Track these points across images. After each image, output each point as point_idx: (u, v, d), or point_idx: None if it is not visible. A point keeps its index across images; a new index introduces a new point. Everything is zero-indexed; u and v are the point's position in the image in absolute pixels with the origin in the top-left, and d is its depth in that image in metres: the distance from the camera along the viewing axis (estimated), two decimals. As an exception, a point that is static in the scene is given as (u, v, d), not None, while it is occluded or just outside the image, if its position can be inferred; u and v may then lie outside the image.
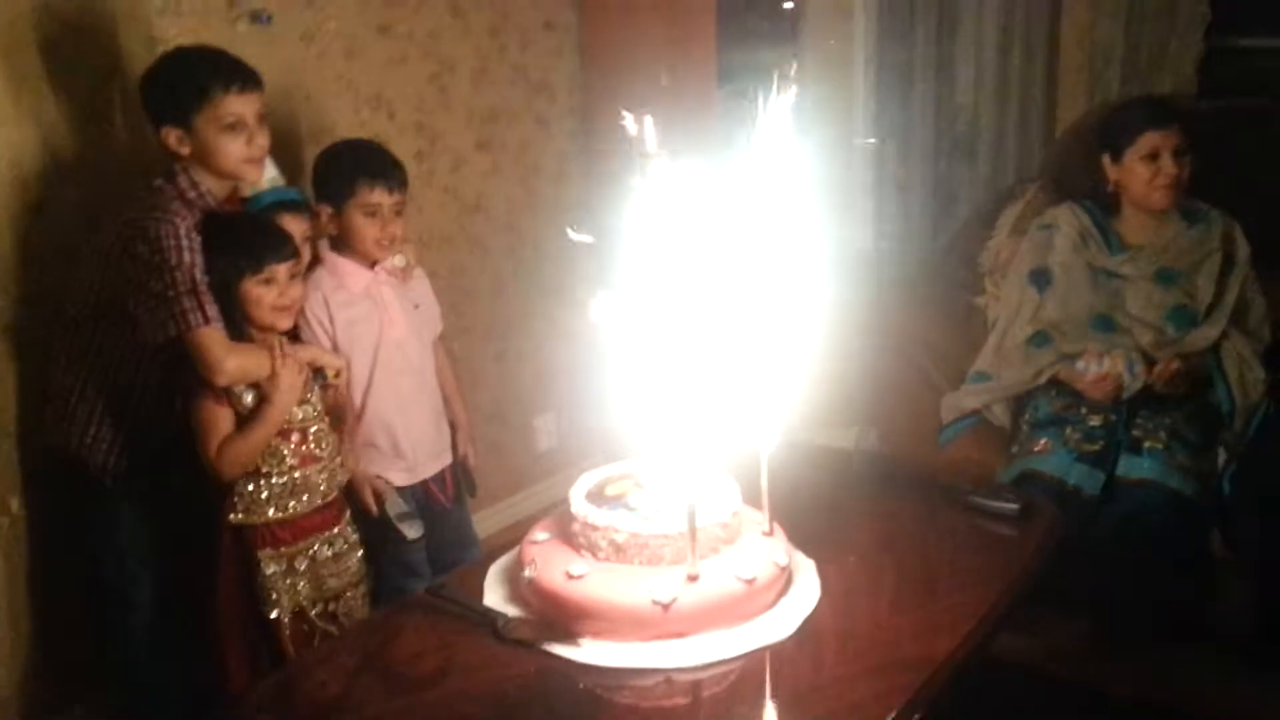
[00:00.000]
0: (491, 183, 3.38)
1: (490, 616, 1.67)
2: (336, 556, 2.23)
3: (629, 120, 1.55)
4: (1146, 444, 2.53)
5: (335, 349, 2.39)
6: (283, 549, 2.15)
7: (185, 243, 2.06)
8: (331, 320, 2.39)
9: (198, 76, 2.11)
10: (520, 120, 3.45)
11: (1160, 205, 2.70)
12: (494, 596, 1.74)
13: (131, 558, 2.26)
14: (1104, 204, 2.78)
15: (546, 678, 1.57)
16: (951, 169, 3.69)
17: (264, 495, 2.13)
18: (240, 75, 2.14)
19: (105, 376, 2.18)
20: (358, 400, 2.44)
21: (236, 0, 2.60)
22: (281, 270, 2.13)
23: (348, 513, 2.29)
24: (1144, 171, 2.68)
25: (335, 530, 2.23)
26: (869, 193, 3.63)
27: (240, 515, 2.14)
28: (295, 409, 2.15)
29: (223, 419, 2.09)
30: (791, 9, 3.53)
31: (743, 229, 1.63)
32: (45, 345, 2.27)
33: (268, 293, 2.12)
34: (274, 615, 2.14)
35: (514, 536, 1.84)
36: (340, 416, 2.29)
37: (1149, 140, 2.66)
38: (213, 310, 2.05)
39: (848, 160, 3.59)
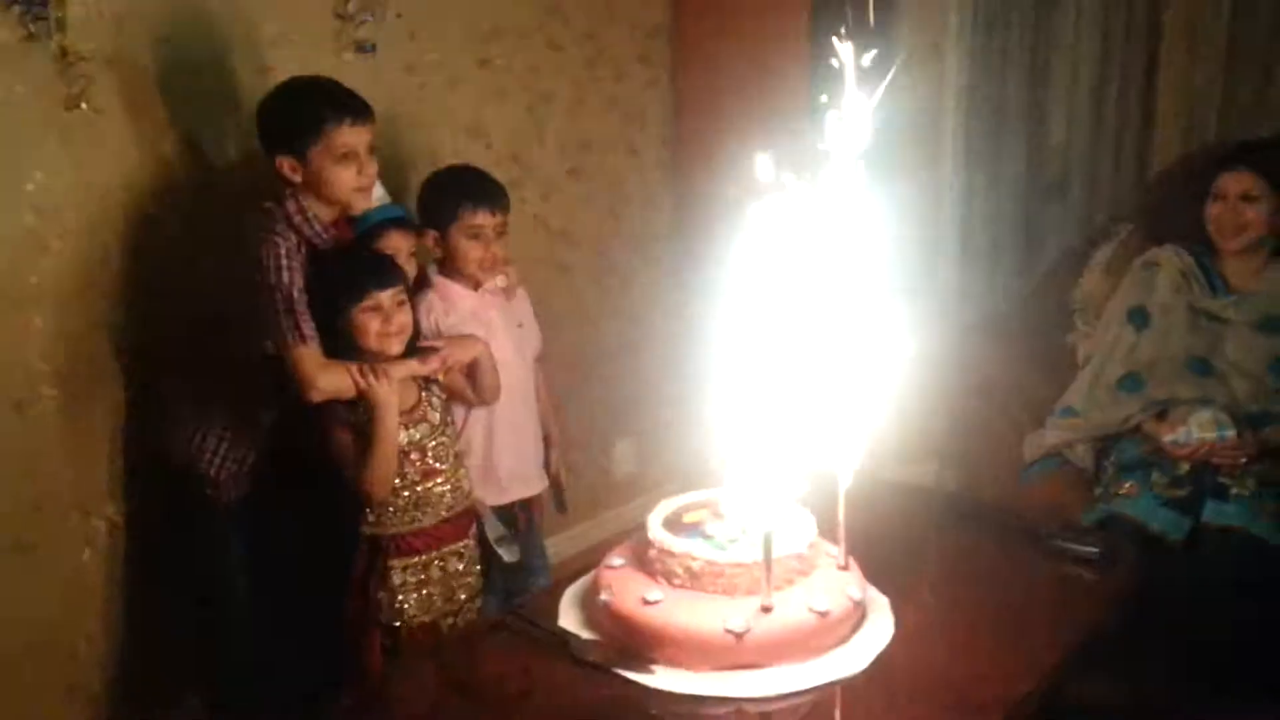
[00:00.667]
0: (582, 211, 3.45)
1: (565, 639, 1.70)
2: (465, 569, 2.31)
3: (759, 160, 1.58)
4: (1234, 490, 2.49)
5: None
6: (417, 558, 2.23)
7: (285, 262, 2.14)
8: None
9: (314, 109, 2.19)
10: (613, 150, 3.51)
11: (1229, 248, 2.70)
12: (569, 620, 1.77)
13: (242, 570, 2.34)
14: (1209, 246, 2.76)
15: (619, 703, 1.59)
16: (1043, 209, 3.66)
17: (390, 509, 2.21)
18: (354, 108, 2.22)
19: (221, 392, 2.28)
20: (460, 421, 2.51)
21: (343, 30, 2.71)
22: (385, 297, 2.20)
23: (474, 526, 2.36)
24: (1215, 211, 2.69)
25: (465, 542, 2.32)
26: (957, 230, 3.61)
27: (372, 527, 2.21)
28: (411, 429, 2.21)
29: (353, 444, 2.17)
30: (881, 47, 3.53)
31: (827, 257, 1.64)
32: (152, 359, 2.37)
33: (374, 320, 2.18)
34: (397, 624, 2.21)
35: (589, 561, 1.87)
36: (473, 391, 2.42)
37: (1221, 183, 2.68)
38: (309, 329, 2.13)
39: (936, 198, 3.58)
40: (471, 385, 2.44)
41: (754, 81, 3.41)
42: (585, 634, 1.72)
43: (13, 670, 2.34)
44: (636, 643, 1.66)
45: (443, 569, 2.26)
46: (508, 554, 2.46)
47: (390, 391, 2.16)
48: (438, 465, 2.25)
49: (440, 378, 2.32)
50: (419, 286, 2.49)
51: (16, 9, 2.17)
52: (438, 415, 2.29)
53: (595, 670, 1.63)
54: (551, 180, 3.34)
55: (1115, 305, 2.83)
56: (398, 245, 2.40)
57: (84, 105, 2.28)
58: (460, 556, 2.30)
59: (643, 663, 1.63)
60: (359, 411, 2.16)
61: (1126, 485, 2.58)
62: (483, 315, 2.55)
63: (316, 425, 2.18)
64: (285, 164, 2.21)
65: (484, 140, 3.11)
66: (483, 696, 1.65)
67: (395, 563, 2.21)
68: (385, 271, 2.24)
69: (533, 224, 3.28)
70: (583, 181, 3.44)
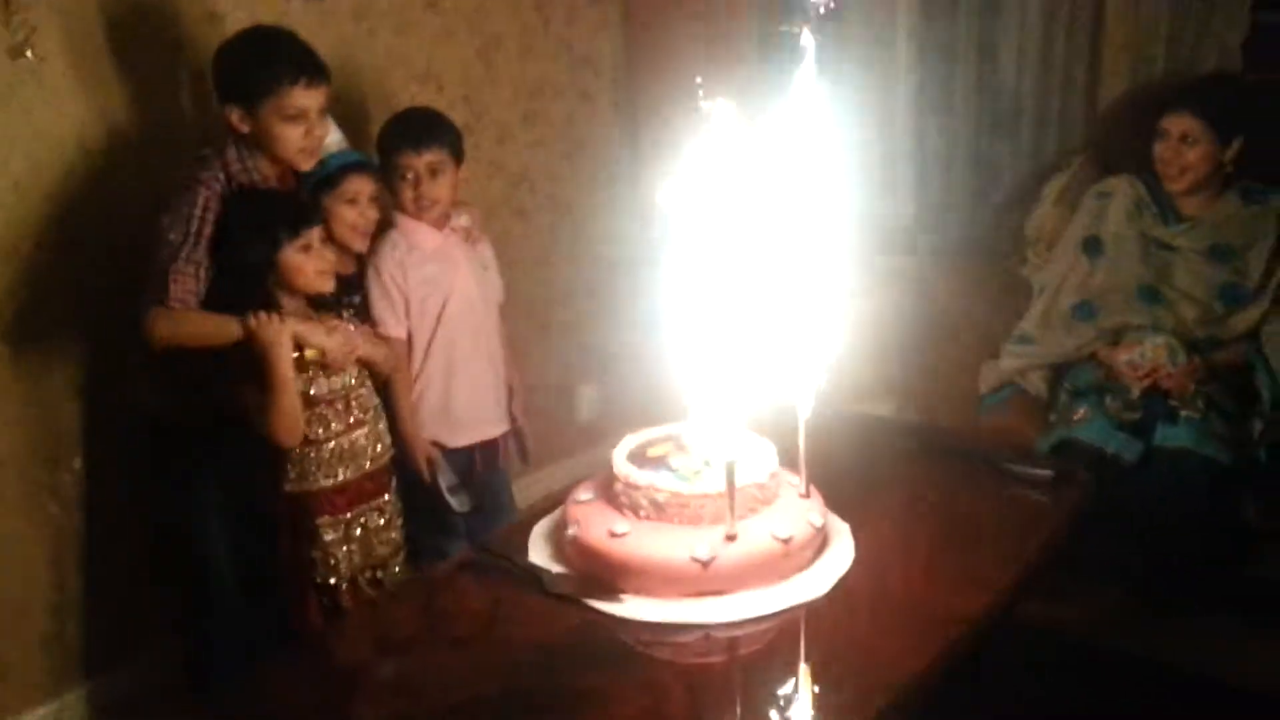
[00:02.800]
0: (537, 155, 3.43)
1: (535, 573, 1.73)
2: (386, 524, 2.30)
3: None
4: (1184, 413, 2.56)
5: (407, 307, 2.49)
6: (340, 516, 2.22)
7: (197, 213, 2.14)
8: (406, 279, 2.48)
9: (269, 66, 2.17)
10: (565, 93, 3.49)
11: (1173, 189, 2.75)
12: (538, 555, 1.79)
13: (210, 513, 2.34)
14: (1160, 176, 2.80)
15: (589, 631, 1.62)
16: (993, 143, 3.69)
17: (315, 464, 2.20)
18: (310, 68, 2.20)
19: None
20: (418, 360, 2.52)
21: (292, -25, 2.67)
22: (315, 235, 2.19)
23: (394, 480, 2.35)
24: (1159, 150, 2.73)
25: (385, 498, 2.31)
26: (910, 165, 3.64)
27: (294, 483, 2.21)
28: (332, 378, 2.20)
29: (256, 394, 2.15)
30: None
31: (783, 188, 1.66)
32: (109, 309, 2.36)
33: (308, 260, 2.18)
34: (333, 581, 2.22)
35: (555, 505, 1.89)
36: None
37: (1163, 123, 2.74)
38: (177, 291, 2.11)
39: (889, 134, 3.60)
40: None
41: (704, 19, 3.40)
42: (554, 568, 1.75)
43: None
44: (605, 574, 1.68)
45: (363, 525, 2.26)
46: (458, 503, 2.48)
47: (279, 331, 2.11)
48: (360, 415, 2.25)
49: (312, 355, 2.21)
50: (383, 228, 2.48)
51: (-45, -45, 2.12)
52: (357, 367, 2.28)
53: (565, 602, 1.66)
54: (505, 125, 3.32)
55: (1069, 235, 2.88)
56: (359, 189, 2.39)
57: (29, 54, 2.24)
58: (381, 512, 2.29)
59: (612, 593, 1.66)
60: (256, 360, 2.14)
61: (1081, 411, 2.64)
62: (446, 253, 2.55)
63: (221, 379, 2.17)
64: (234, 113, 2.19)
65: (435, 84, 3.09)
66: (455, 631, 1.68)
67: (322, 520, 2.21)
68: (313, 211, 2.23)
69: (488, 169, 3.27)
70: (537, 125, 3.42)
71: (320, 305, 2.26)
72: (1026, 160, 3.62)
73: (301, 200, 2.27)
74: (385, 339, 2.43)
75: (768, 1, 3.40)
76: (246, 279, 2.16)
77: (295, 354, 2.15)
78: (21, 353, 2.35)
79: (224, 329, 2.13)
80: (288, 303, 2.19)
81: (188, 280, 2.13)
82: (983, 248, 3.22)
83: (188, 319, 2.13)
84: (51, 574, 2.46)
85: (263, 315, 2.11)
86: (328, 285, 2.23)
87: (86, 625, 2.52)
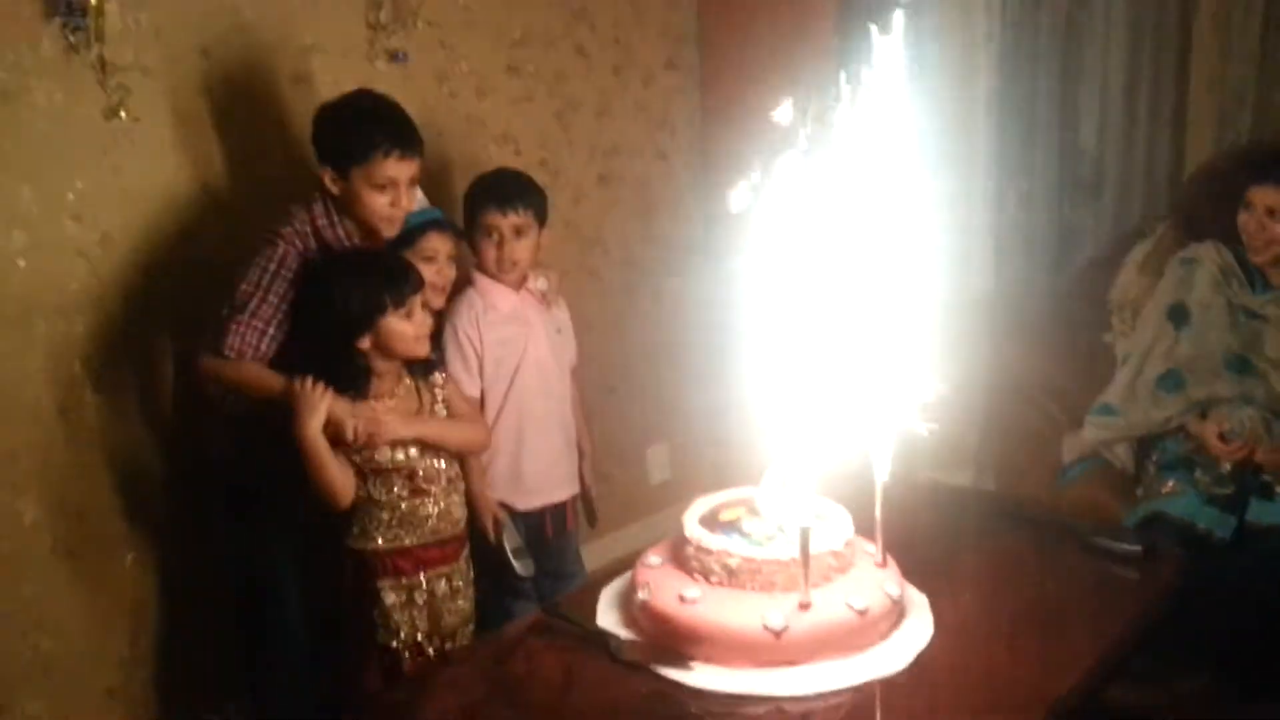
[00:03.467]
0: (611, 216, 3.46)
1: (604, 638, 1.70)
2: (454, 593, 2.26)
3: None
4: (1278, 488, 2.46)
5: (481, 368, 2.50)
6: (403, 580, 2.19)
7: (273, 267, 2.17)
8: (481, 340, 2.50)
9: (365, 133, 2.21)
10: (641, 155, 3.52)
11: (1258, 261, 2.68)
12: (607, 619, 1.77)
13: (282, 570, 2.35)
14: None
15: (658, 700, 1.59)
16: (1076, 209, 3.64)
17: (375, 524, 2.17)
18: (404, 141, 2.24)
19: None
20: (490, 419, 2.52)
21: (375, 39, 2.73)
22: (418, 302, 2.19)
23: (466, 549, 2.32)
24: (1244, 220, 2.67)
25: (455, 566, 2.27)
26: (990, 235, 3.59)
27: (356, 539, 2.18)
28: (400, 451, 2.17)
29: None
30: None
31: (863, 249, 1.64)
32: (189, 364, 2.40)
33: (409, 326, 2.16)
34: (393, 645, 2.18)
35: (624, 568, 1.87)
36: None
37: (1250, 195, 2.66)
38: (235, 344, 2.13)
39: (968, 201, 3.57)
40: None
41: (782, 86, 3.40)
42: (623, 633, 1.72)
43: (54, 673, 2.36)
44: (674, 640, 1.65)
45: (430, 593, 2.21)
46: (522, 567, 2.45)
47: (316, 400, 2.07)
48: (425, 485, 2.21)
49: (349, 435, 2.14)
50: (461, 287, 2.51)
51: (58, 20, 2.21)
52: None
53: (634, 668, 1.63)
54: (580, 186, 3.35)
55: (1154, 303, 2.81)
56: (437, 247, 2.42)
57: (123, 114, 2.31)
58: (449, 581, 2.25)
59: (681, 660, 1.63)
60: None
61: (1169, 484, 2.56)
62: (522, 315, 2.57)
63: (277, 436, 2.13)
64: (327, 175, 2.24)
65: (513, 146, 3.13)
66: (522, 695, 1.65)
67: (383, 583, 2.18)
68: (417, 276, 2.21)
69: (564, 230, 3.29)
70: (611, 187, 3.45)
71: (415, 368, 2.25)
72: (1108, 227, 3.57)
73: (406, 266, 2.24)
74: (473, 419, 2.39)
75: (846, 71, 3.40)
76: (338, 338, 2.14)
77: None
78: (107, 403, 2.39)
79: (265, 382, 2.14)
80: (382, 365, 2.17)
81: (249, 334, 2.15)
82: (1063, 315, 3.16)
83: (237, 366, 2.15)
84: (126, 626, 2.47)
85: (308, 382, 2.08)
86: (424, 350, 2.22)
87: (155, 680, 2.53)
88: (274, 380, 2.13)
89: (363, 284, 2.15)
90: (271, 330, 2.17)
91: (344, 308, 2.12)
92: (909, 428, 1.68)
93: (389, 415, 2.17)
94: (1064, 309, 3.18)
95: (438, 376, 2.29)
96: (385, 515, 2.18)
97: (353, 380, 2.14)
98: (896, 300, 1.67)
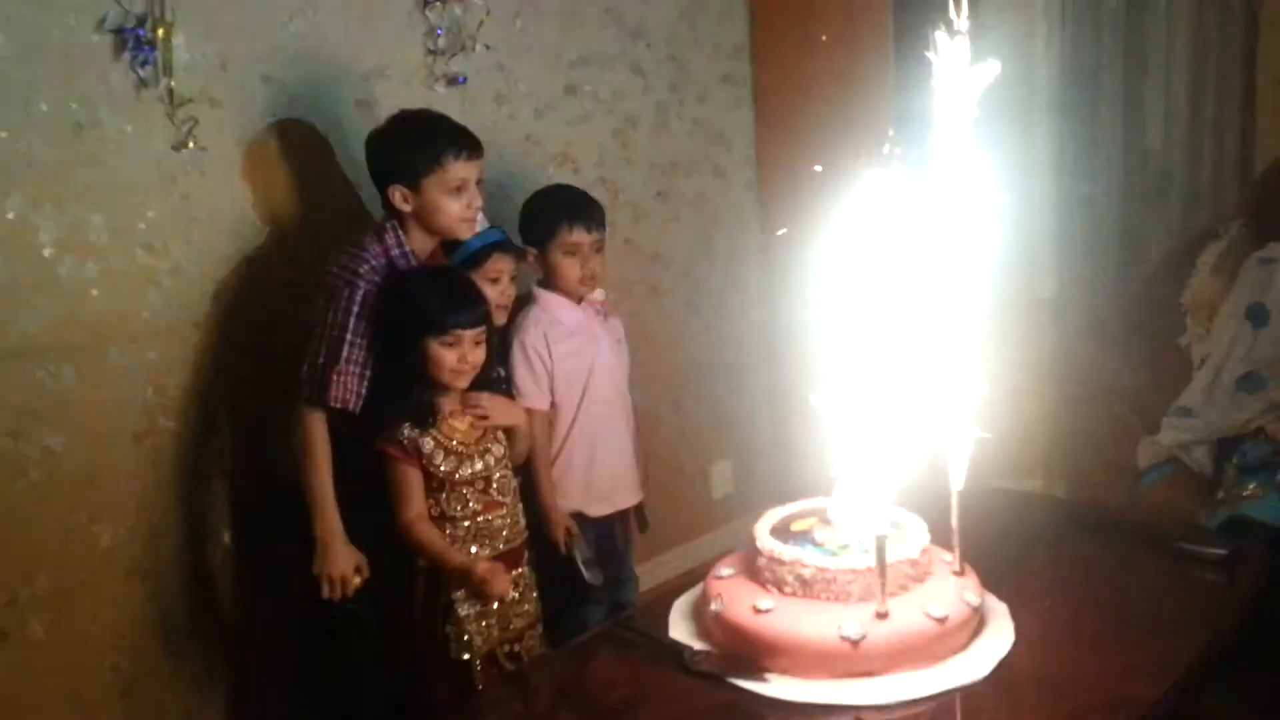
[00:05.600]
0: (670, 233, 3.46)
1: (677, 649, 1.69)
2: (521, 597, 2.27)
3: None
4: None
5: (551, 382, 2.52)
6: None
7: (356, 309, 2.18)
8: (550, 354, 2.52)
9: (432, 142, 2.25)
10: (699, 171, 3.52)
11: None
12: (679, 630, 1.75)
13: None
14: None
15: (733, 713, 1.57)
16: (1143, 211, 3.58)
17: (451, 540, 2.18)
18: (469, 143, 2.28)
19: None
20: (562, 431, 2.54)
21: (435, 64, 2.77)
22: (467, 335, 2.18)
23: (527, 554, 2.33)
24: None
25: (520, 570, 2.28)
26: (1054, 239, 3.54)
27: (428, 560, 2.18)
28: (477, 460, 2.20)
29: (415, 479, 2.16)
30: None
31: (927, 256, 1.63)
32: (262, 388, 2.43)
33: (449, 354, 2.16)
34: (466, 657, 2.17)
35: (694, 580, 1.86)
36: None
37: None
38: (335, 392, 2.16)
39: (1032, 206, 3.52)
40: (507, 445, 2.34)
41: (838, 98, 3.39)
42: (696, 644, 1.70)
43: (131, 695, 2.39)
44: (749, 652, 1.63)
45: (500, 598, 2.20)
46: (592, 576, 2.45)
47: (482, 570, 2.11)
48: (500, 498, 2.23)
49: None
50: (523, 304, 2.54)
51: (126, 55, 2.26)
52: (501, 449, 2.27)
53: (708, 680, 1.61)
54: (640, 203, 3.36)
55: (1231, 304, 2.76)
56: (501, 268, 2.45)
57: (191, 145, 2.35)
58: (515, 585, 2.25)
59: (756, 671, 1.61)
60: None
61: (1251, 487, 2.50)
62: (586, 327, 2.59)
63: (380, 448, 2.17)
64: (398, 193, 2.25)
65: (572, 165, 3.14)
66: (595, 708, 1.64)
67: (458, 594, 2.17)
68: (475, 309, 2.21)
69: (624, 247, 3.30)
70: (671, 204, 3.45)
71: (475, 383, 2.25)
72: (1177, 228, 3.51)
73: (468, 295, 2.23)
74: (526, 410, 2.43)
75: (903, 79, 3.38)
76: (408, 361, 2.17)
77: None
78: (183, 428, 2.43)
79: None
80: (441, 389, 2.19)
81: (350, 380, 2.18)
82: (1134, 317, 3.11)
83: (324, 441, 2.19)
84: (201, 647, 2.50)
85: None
86: (461, 384, 2.21)
87: (231, 701, 2.55)
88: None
89: (413, 304, 2.17)
90: (367, 372, 2.20)
91: (393, 323, 2.16)
92: (970, 434, 1.66)
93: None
94: (1135, 311, 3.13)
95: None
96: (460, 530, 2.19)
97: (420, 414, 2.17)
98: (961, 304, 1.65)
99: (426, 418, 2.17)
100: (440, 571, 2.16)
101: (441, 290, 2.21)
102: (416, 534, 2.15)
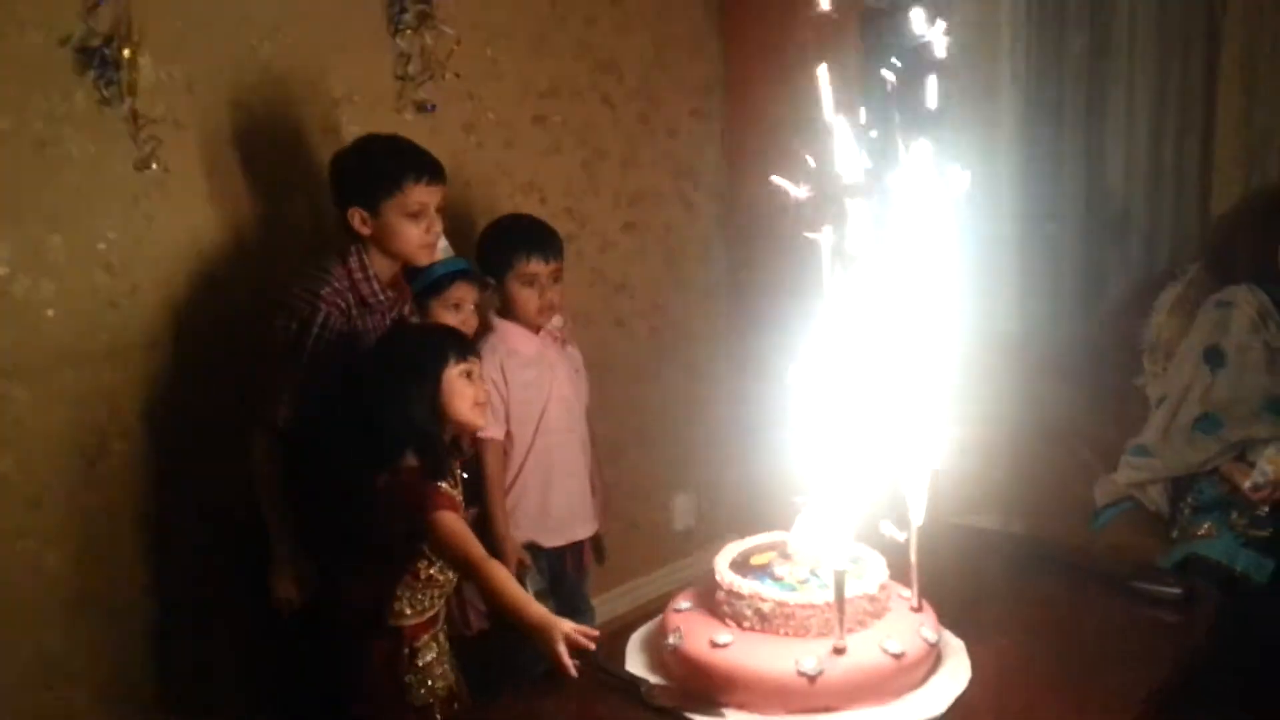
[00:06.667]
0: (636, 264, 3.47)
1: (634, 683, 1.67)
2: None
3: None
4: (1318, 531, 2.42)
5: (507, 411, 2.50)
6: (428, 635, 2.09)
7: (316, 333, 2.18)
8: (506, 384, 2.51)
9: (393, 166, 2.25)
10: (667, 203, 3.54)
11: None
12: (636, 664, 1.74)
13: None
14: None
15: (691, 747, 1.56)
16: (1103, 252, 3.63)
17: (426, 598, 2.08)
18: (430, 169, 2.28)
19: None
20: (517, 460, 2.53)
21: (404, 91, 2.76)
22: (479, 366, 2.14)
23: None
24: None
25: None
26: (1015, 275, 3.58)
27: (396, 618, 2.05)
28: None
29: (460, 522, 2.00)
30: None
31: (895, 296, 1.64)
32: (219, 413, 2.40)
33: (470, 387, 2.09)
34: (431, 702, 2.08)
35: (651, 614, 1.85)
36: None
37: None
38: (285, 414, 2.18)
39: (994, 242, 3.56)
40: None
41: (804, 135, 3.41)
42: (653, 678, 1.69)
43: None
44: (706, 686, 1.63)
45: (447, 635, 2.16)
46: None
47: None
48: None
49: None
50: (482, 333, 2.52)
51: (91, 74, 2.24)
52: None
53: (665, 715, 1.60)
54: (607, 234, 3.37)
55: (1189, 345, 2.78)
56: (463, 296, 2.44)
57: (154, 166, 2.34)
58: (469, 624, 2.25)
59: (713, 706, 1.60)
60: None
61: (1205, 526, 2.52)
62: (544, 356, 2.59)
63: (418, 507, 1.98)
64: (357, 216, 2.25)
65: (538, 195, 3.15)
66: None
67: (420, 642, 2.08)
68: (470, 341, 2.19)
69: (590, 277, 3.30)
70: (637, 235, 3.46)
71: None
72: (1136, 269, 3.55)
73: (457, 332, 2.22)
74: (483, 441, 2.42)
75: (870, 119, 3.41)
76: (414, 414, 2.04)
77: None
78: (134, 452, 2.39)
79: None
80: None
81: (299, 405, 2.18)
82: (1093, 356, 3.14)
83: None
84: (152, 673, 2.45)
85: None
86: (482, 421, 2.16)
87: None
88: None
89: (426, 343, 2.12)
90: (321, 395, 2.17)
91: (411, 355, 2.07)
92: (932, 469, 1.67)
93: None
94: (1094, 350, 3.16)
95: None
96: (437, 591, 2.10)
97: (441, 464, 2.05)
98: (927, 341, 1.66)
99: (444, 466, 2.06)
100: (507, 619, 1.88)
101: (439, 331, 2.20)
102: (492, 571, 1.91)
